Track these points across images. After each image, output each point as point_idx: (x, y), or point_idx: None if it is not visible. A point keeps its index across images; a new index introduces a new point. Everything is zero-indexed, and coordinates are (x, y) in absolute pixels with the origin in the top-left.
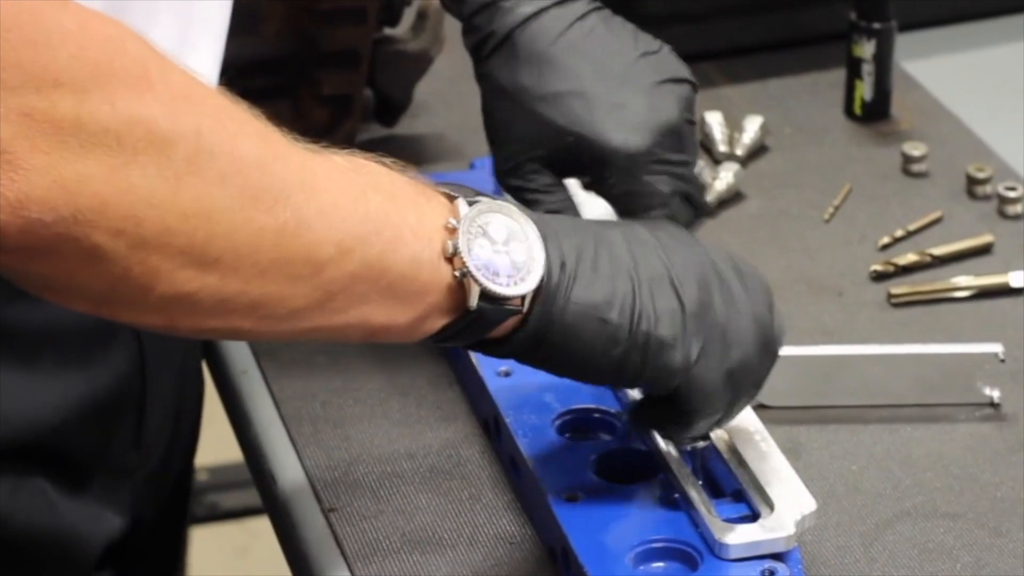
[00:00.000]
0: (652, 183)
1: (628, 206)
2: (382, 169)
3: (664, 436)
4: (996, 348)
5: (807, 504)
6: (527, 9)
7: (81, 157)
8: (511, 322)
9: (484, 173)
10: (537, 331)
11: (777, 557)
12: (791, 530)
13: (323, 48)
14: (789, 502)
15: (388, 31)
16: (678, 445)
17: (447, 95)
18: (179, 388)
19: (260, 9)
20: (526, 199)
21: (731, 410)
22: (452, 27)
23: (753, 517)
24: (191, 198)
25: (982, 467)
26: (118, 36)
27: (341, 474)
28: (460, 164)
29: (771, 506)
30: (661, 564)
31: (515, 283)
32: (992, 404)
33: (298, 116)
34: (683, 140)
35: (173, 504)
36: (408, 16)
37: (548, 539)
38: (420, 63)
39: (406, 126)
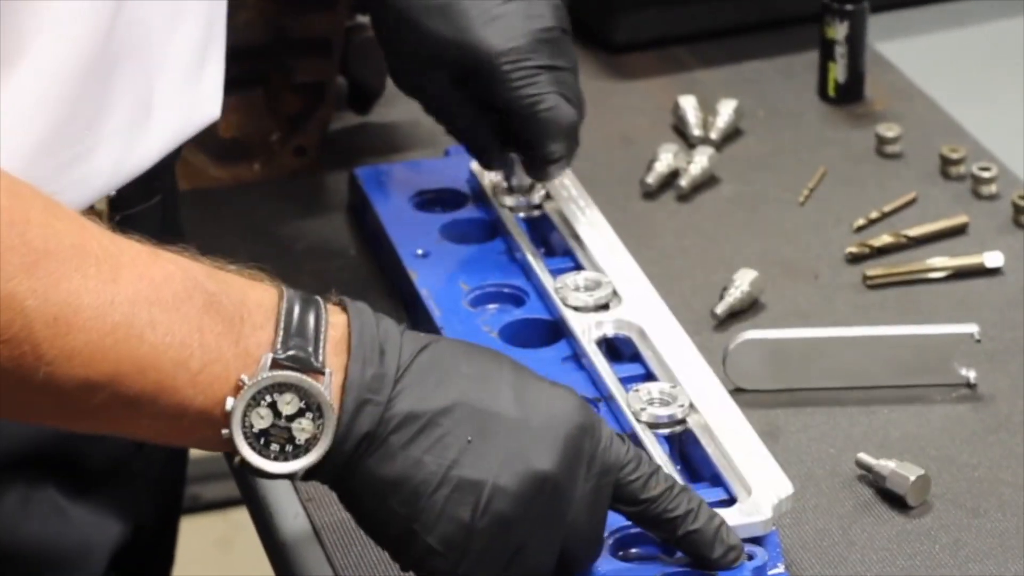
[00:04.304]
0: (534, 85)
1: (516, 111)
2: (206, 294)
3: None
4: (972, 328)
5: (784, 488)
6: None
7: None
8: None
9: (459, 160)
10: (327, 481)
11: (755, 541)
12: (768, 514)
13: (295, 36)
14: (766, 486)
15: (360, 18)
16: None
17: None
18: None
19: None
20: (428, 105)
21: None
22: None
23: (730, 501)
24: None
25: (959, 448)
26: None
27: None
28: (434, 151)
29: (748, 490)
30: (640, 550)
31: (285, 459)
32: (968, 385)
33: (271, 105)
34: (561, 47)
35: (172, 505)
36: None
37: None
38: None
39: (380, 114)
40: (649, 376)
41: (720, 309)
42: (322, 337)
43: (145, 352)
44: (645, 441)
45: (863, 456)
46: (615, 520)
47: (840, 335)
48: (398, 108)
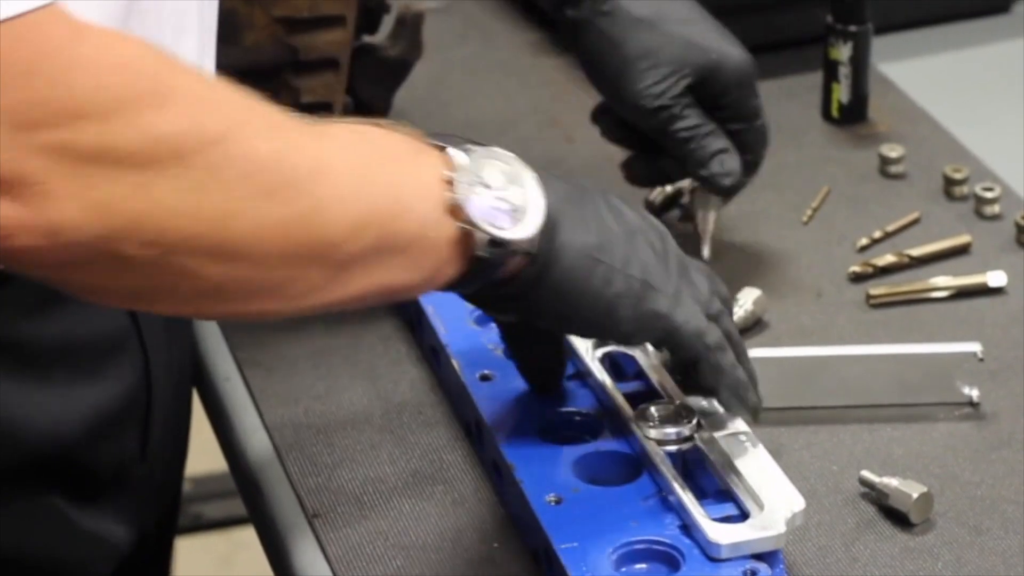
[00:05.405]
0: (758, 98)
1: (744, 116)
2: (381, 133)
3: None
4: (975, 347)
5: (796, 502)
6: None
7: (109, 181)
8: (517, 263)
9: None
10: (541, 270)
11: (761, 557)
12: (782, 528)
13: (302, 56)
14: (778, 501)
15: (367, 38)
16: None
17: (426, 102)
18: (178, 397)
19: (239, 19)
20: (679, 133)
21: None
22: (431, 34)
23: (741, 517)
24: (214, 203)
25: (962, 466)
26: (136, 56)
27: (324, 480)
28: None
29: (761, 505)
30: (643, 565)
31: (517, 225)
32: (971, 403)
33: None
34: None
35: (171, 515)
36: (387, 23)
37: (531, 542)
38: (399, 70)
39: None
40: (653, 393)
41: None
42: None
43: (384, 182)
44: (654, 458)
45: (866, 473)
46: (619, 535)
47: (843, 354)
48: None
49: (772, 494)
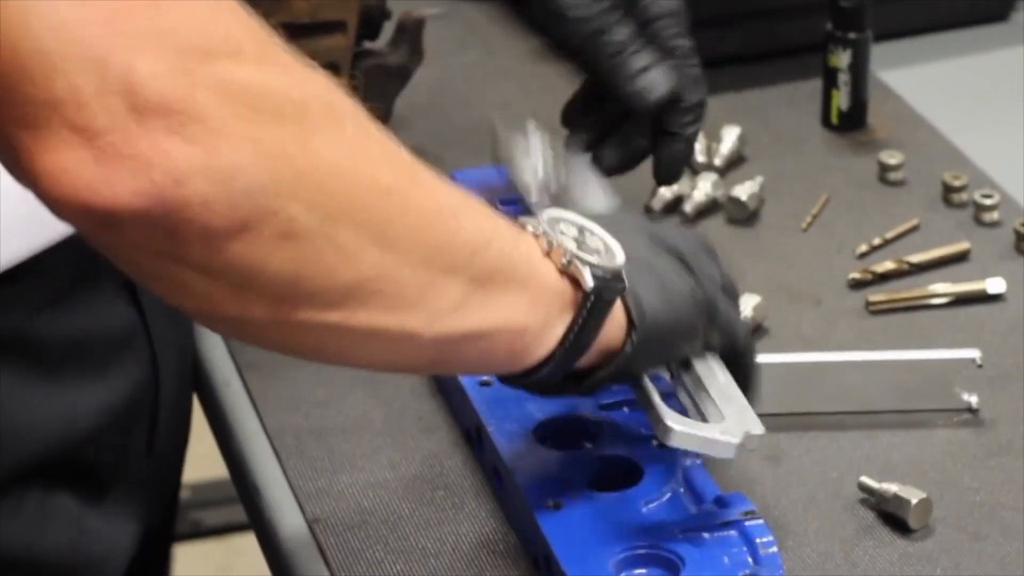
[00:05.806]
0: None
1: (663, 35)
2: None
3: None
4: (974, 354)
5: (755, 427)
6: None
7: (274, 125)
8: (619, 334)
9: (464, 184)
10: (639, 325)
11: (762, 560)
12: (736, 438)
13: None
14: (739, 420)
15: (368, 44)
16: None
17: (426, 108)
18: (181, 393)
19: None
20: (607, 48)
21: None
22: (431, 40)
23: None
24: (369, 173)
25: (961, 472)
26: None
27: (324, 485)
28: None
29: (722, 418)
30: (643, 571)
31: (608, 259)
32: (970, 409)
33: None
34: None
35: (170, 516)
36: (387, 29)
37: (531, 547)
38: (400, 76)
39: None
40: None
41: None
42: None
43: (490, 212)
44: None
45: (865, 479)
46: (620, 540)
47: (843, 360)
48: (404, 133)
49: (735, 414)
